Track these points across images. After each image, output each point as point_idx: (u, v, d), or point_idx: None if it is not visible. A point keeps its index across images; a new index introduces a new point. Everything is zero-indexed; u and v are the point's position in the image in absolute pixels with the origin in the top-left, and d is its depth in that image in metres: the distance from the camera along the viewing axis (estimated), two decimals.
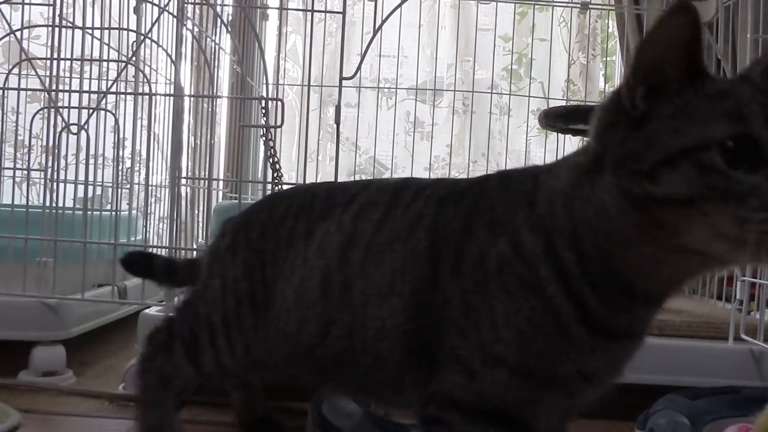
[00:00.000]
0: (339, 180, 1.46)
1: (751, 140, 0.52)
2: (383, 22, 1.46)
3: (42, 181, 1.56)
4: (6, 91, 1.56)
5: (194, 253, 1.58)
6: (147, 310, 1.37)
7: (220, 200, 2.10)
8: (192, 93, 2.01)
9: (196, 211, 2.01)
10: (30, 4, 1.63)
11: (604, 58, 2.42)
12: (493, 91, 2.28)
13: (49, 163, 1.52)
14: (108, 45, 1.76)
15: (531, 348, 0.61)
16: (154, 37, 1.74)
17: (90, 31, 1.60)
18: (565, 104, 2.10)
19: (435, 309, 0.66)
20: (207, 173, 1.84)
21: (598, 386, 0.67)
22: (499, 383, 0.62)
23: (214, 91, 1.87)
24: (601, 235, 0.59)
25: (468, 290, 0.64)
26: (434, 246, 0.67)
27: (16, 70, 1.61)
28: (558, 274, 0.61)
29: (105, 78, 1.74)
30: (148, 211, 1.92)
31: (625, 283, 0.60)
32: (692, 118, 0.54)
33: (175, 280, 1.12)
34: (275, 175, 1.69)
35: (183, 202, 1.75)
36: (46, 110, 1.57)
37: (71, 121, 1.51)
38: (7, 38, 1.63)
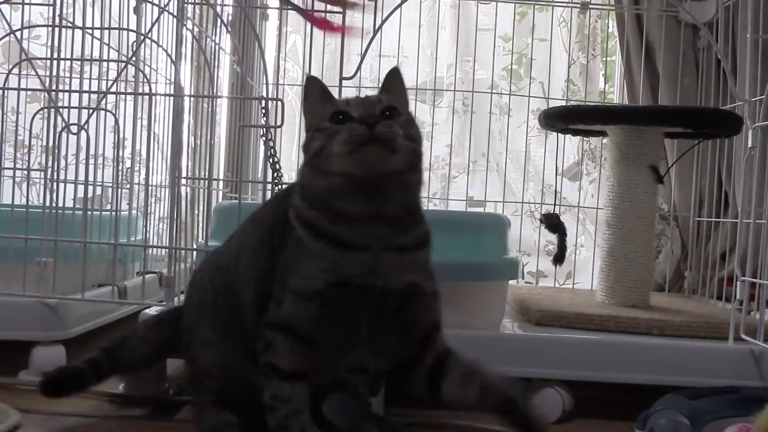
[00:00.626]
0: None
1: (341, 111, 0.91)
2: (383, 22, 1.46)
3: (42, 181, 1.56)
4: (6, 91, 1.56)
5: (194, 253, 1.58)
6: (147, 310, 1.37)
7: (220, 200, 2.10)
8: (192, 93, 2.01)
9: (196, 211, 2.00)
10: (30, 4, 1.63)
11: (604, 58, 2.42)
12: (493, 91, 2.28)
13: (49, 163, 1.52)
14: (108, 45, 1.76)
15: (301, 275, 0.91)
16: (154, 37, 1.74)
17: (90, 31, 1.60)
18: (565, 104, 2.10)
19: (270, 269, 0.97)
20: (207, 173, 1.83)
21: (364, 301, 0.92)
22: (289, 305, 0.92)
23: (214, 91, 1.86)
24: (312, 186, 0.92)
25: (284, 255, 0.94)
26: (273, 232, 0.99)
27: (16, 70, 1.61)
28: (298, 218, 0.93)
29: (105, 78, 1.74)
30: (148, 211, 1.92)
31: (332, 208, 0.90)
32: (317, 118, 0.95)
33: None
34: (275, 175, 1.69)
35: (183, 202, 1.75)
36: (46, 110, 1.57)
37: (71, 121, 1.51)
38: (7, 38, 1.64)
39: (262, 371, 0.93)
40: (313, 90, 0.97)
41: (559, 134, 2.02)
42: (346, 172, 0.88)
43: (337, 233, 0.90)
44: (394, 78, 1.00)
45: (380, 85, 1.01)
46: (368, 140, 0.87)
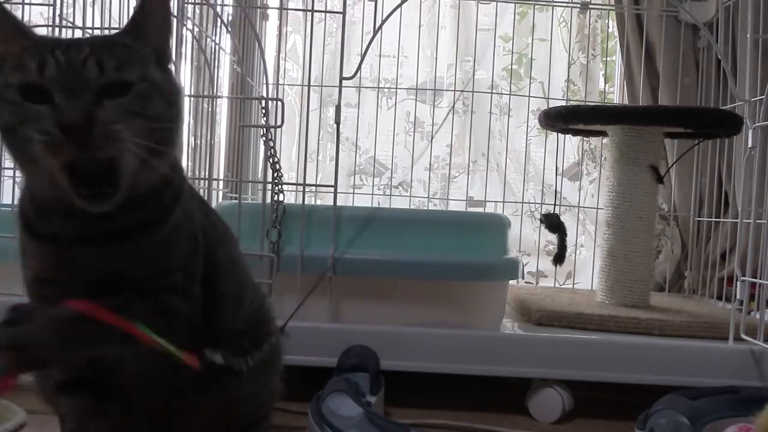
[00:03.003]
0: (338, 180, 1.47)
1: (33, 84, 0.67)
2: (383, 22, 1.46)
3: None
4: None
5: None
6: None
7: (220, 200, 2.10)
8: (192, 93, 2.01)
9: None
10: (30, 4, 1.63)
11: (604, 58, 2.42)
12: (493, 91, 2.28)
13: None
14: None
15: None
16: None
17: (90, 31, 1.60)
18: (565, 104, 2.10)
19: None
20: (207, 173, 1.84)
21: (67, 288, 0.78)
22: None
23: (214, 91, 1.86)
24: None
25: None
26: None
27: None
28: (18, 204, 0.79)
29: None
30: None
31: (35, 197, 0.76)
32: (7, 67, 0.70)
33: None
34: (275, 175, 1.69)
35: None
36: None
37: None
38: None
39: None
40: None
41: (559, 134, 2.02)
42: (32, 172, 0.72)
43: (37, 228, 0.78)
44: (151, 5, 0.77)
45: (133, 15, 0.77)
46: (73, 153, 0.66)
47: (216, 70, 2.03)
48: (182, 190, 0.80)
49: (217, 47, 2.05)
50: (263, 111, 1.48)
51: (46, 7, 1.59)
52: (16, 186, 1.65)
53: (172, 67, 0.87)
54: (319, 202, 2.25)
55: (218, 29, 2.04)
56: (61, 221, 0.74)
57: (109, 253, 0.76)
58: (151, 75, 0.73)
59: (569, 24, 2.40)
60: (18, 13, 1.58)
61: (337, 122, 1.47)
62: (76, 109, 0.66)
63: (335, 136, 1.49)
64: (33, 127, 0.66)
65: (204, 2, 1.86)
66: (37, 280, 0.82)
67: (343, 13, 1.50)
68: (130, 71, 0.70)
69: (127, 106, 0.69)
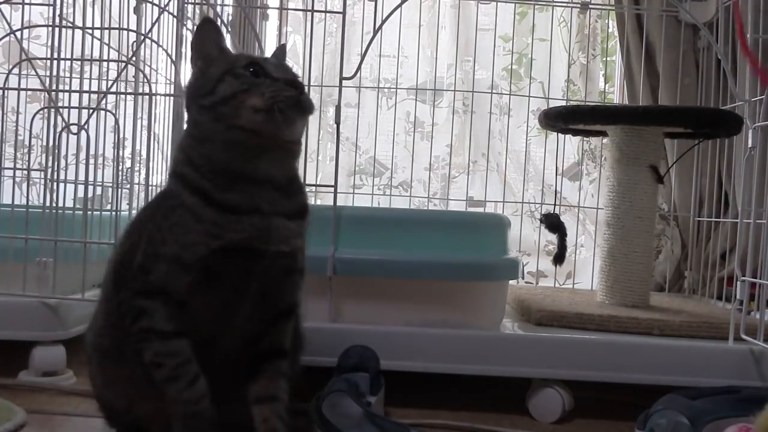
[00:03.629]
0: (338, 180, 1.47)
1: (258, 64, 0.91)
2: (383, 22, 1.46)
3: (42, 181, 1.56)
4: (6, 91, 1.56)
5: None
6: None
7: None
8: None
9: None
10: (30, 4, 1.63)
11: (604, 58, 2.42)
12: (493, 91, 2.28)
13: (49, 163, 1.52)
14: (108, 45, 1.76)
15: (180, 242, 0.89)
16: (154, 37, 1.74)
17: (90, 31, 1.60)
18: (565, 104, 2.10)
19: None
20: None
21: (246, 268, 0.92)
22: (161, 273, 0.90)
23: None
24: (201, 145, 0.91)
25: (147, 224, 0.95)
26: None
27: (16, 70, 1.61)
28: (183, 183, 0.91)
29: (105, 78, 1.74)
30: None
31: (227, 170, 0.90)
32: (227, 59, 0.94)
33: None
34: None
35: None
36: (46, 110, 1.57)
37: (71, 121, 1.51)
38: (7, 38, 1.63)
39: (138, 338, 0.91)
40: (209, 28, 0.96)
41: (559, 134, 2.02)
42: (255, 129, 0.88)
43: (228, 198, 0.89)
44: (282, 52, 1.05)
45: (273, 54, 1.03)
46: (294, 104, 0.88)
47: None
48: None
49: None
50: None
51: (46, 7, 1.59)
52: (15, 186, 1.65)
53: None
54: (319, 202, 2.25)
55: None
56: (256, 190, 0.90)
57: (292, 227, 0.93)
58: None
59: (569, 24, 2.40)
60: (18, 14, 1.58)
61: (337, 122, 1.48)
62: (293, 78, 0.92)
63: (335, 136, 1.49)
64: (257, 92, 0.88)
65: (204, 2, 1.86)
66: (213, 254, 0.89)
67: (343, 13, 1.50)
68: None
69: None
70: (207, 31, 0.96)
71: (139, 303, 0.91)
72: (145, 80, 1.71)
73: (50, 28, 1.52)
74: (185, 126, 0.97)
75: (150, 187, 1.87)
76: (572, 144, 2.33)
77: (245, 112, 0.87)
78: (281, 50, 1.05)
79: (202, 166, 0.90)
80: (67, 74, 1.66)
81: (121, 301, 0.94)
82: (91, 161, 1.61)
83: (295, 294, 0.99)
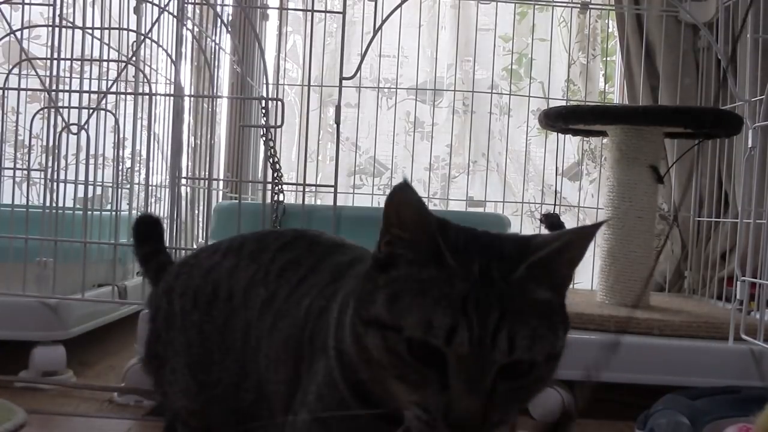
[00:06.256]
0: (338, 180, 1.47)
1: (435, 352, 0.54)
2: (383, 22, 1.46)
3: (42, 181, 1.56)
4: (6, 91, 1.56)
5: None
6: (147, 310, 1.37)
7: (220, 200, 2.10)
8: (192, 93, 2.01)
9: (196, 211, 2.01)
10: (30, 4, 1.63)
11: (604, 58, 2.42)
12: (493, 91, 2.28)
13: (49, 163, 1.52)
14: (108, 45, 1.76)
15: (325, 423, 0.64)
16: (154, 37, 1.74)
17: (90, 31, 1.60)
18: (565, 104, 2.10)
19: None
20: (207, 173, 1.84)
21: None
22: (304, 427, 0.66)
23: (214, 91, 1.87)
24: (353, 360, 0.61)
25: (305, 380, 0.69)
26: (306, 316, 0.73)
27: (16, 70, 1.61)
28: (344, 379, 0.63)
29: (105, 78, 1.74)
30: (148, 211, 1.92)
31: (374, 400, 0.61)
32: (402, 296, 0.57)
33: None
34: (275, 175, 1.69)
35: (183, 202, 1.75)
36: (46, 110, 1.57)
37: (71, 121, 1.51)
38: (7, 38, 1.64)
39: None
40: (407, 202, 0.57)
41: (559, 134, 2.01)
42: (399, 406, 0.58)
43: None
44: (579, 242, 0.59)
45: (561, 241, 0.58)
46: None
47: (216, 70, 2.03)
48: None
49: (217, 47, 2.05)
50: (263, 111, 1.48)
51: (46, 7, 1.59)
52: (15, 186, 1.65)
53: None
54: (319, 202, 2.25)
55: (218, 29, 2.04)
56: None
57: None
58: (559, 345, 0.60)
59: (569, 24, 2.40)
60: (18, 14, 1.58)
61: (337, 122, 1.47)
62: (476, 405, 0.54)
63: (335, 136, 1.49)
64: (410, 393, 0.56)
65: (204, 2, 1.86)
66: None
67: (343, 13, 1.50)
68: (540, 348, 0.57)
69: (520, 393, 0.58)
70: (398, 202, 0.58)
71: None
72: (145, 80, 1.71)
73: (50, 28, 1.52)
74: None
75: (150, 187, 1.88)
76: (572, 144, 2.34)
77: (390, 388, 0.58)
78: (578, 237, 0.59)
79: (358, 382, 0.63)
80: (67, 74, 1.66)
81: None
82: (91, 161, 1.61)
83: None
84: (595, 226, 0.59)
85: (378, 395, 0.60)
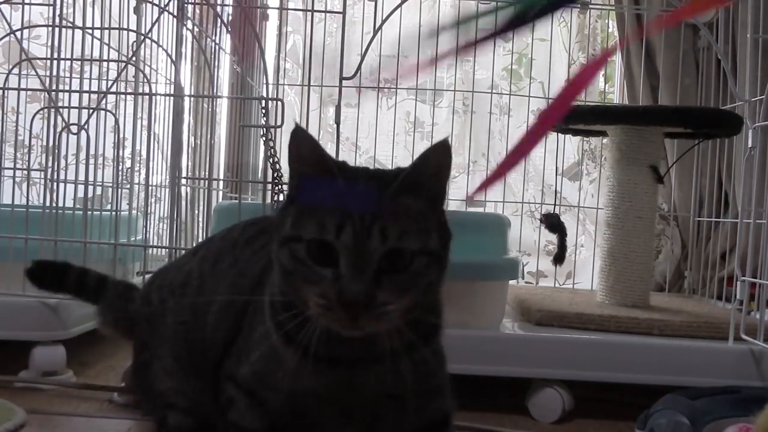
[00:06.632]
0: None
1: (327, 243, 0.69)
2: (383, 22, 1.46)
3: (42, 181, 1.56)
4: (6, 91, 1.56)
5: None
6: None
7: (220, 200, 2.10)
8: (192, 93, 2.01)
9: (196, 211, 2.01)
10: (30, 4, 1.63)
11: None
12: (493, 91, 2.28)
13: (49, 163, 1.52)
14: (108, 45, 1.76)
15: (262, 361, 0.79)
16: (154, 37, 1.74)
17: (90, 31, 1.60)
18: None
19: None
20: (207, 173, 1.84)
21: (346, 415, 0.81)
22: (250, 375, 0.81)
23: (214, 91, 1.87)
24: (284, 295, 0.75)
25: (251, 312, 0.84)
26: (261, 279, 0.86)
27: (16, 70, 1.61)
28: (270, 306, 0.78)
29: (105, 78, 1.74)
30: (148, 211, 1.92)
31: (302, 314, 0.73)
32: (302, 214, 0.72)
33: (84, 295, 1.19)
34: (275, 175, 1.69)
35: (183, 202, 1.76)
36: (46, 110, 1.57)
37: (71, 121, 1.51)
38: (7, 38, 1.63)
39: (226, 427, 0.84)
40: (304, 142, 0.74)
41: (559, 134, 2.02)
42: (319, 323, 0.71)
43: (314, 349, 0.74)
44: (435, 156, 0.74)
45: (411, 165, 0.74)
46: (347, 326, 0.69)
47: (216, 70, 2.03)
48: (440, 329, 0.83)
49: (217, 47, 2.05)
50: (263, 111, 1.48)
51: (46, 7, 1.59)
52: (15, 186, 1.65)
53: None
54: None
55: (218, 29, 2.04)
56: (338, 345, 0.74)
57: (381, 374, 0.77)
58: (432, 244, 0.73)
59: (569, 24, 2.40)
60: (18, 14, 1.58)
61: (337, 122, 1.47)
62: (360, 287, 0.67)
63: (335, 136, 1.49)
64: (312, 289, 0.69)
65: (204, 2, 1.86)
66: (299, 395, 0.79)
67: (343, 13, 1.50)
68: (412, 240, 0.70)
69: (402, 283, 0.70)
70: (298, 143, 0.75)
71: (228, 389, 0.83)
72: (145, 80, 1.71)
73: (50, 28, 1.52)
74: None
75: (150, 187, 1.88)
76: (572, 144, 2.34)
77: (304, 300, 0.71)
78: (435, 152, 0.75)
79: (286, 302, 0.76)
80: (67, 74, 1.66)
81: (220, 375, 0.86)
82: (91, 161, 1.61)
83: (440, 402, 0.89)
84: (445, 140, 0.74)
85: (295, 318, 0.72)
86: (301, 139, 0.74)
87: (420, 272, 0.71)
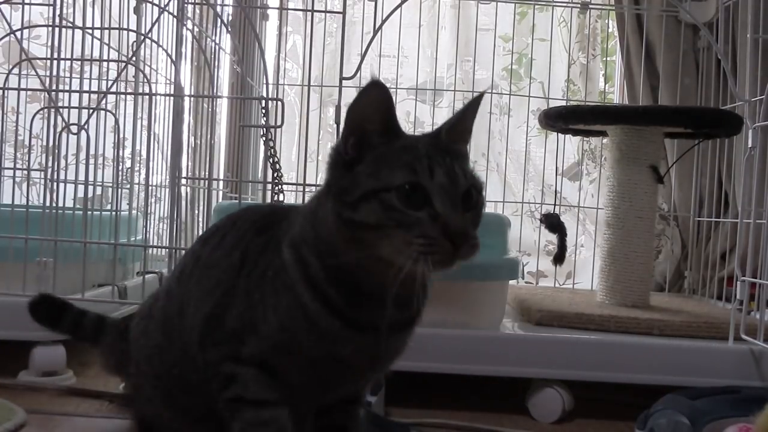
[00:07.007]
0: None
1: (420, 186, 0.72)
2: (383, 22, 1.46)
3: (42, 181, 1.56)
4: (6, 91, 1.56)
5: None
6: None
7: (220, 200, 2.10)
8: (192, 93, 2.01)
9: (196, 211, 2.01)
10: (30, 4, 1.63)
11: (604, 58, 2.42)
12: (493, 91, 2.28)
13: (49, 163, 1.52)
14: (108, 45, 1.76)
15: (287, 331, 0.80)
16: (154, 37, 1.74)
17: (90, 31, 1.60)
18: (565, 104, 2.10)
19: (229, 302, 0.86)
20: (207, 173, 1.84)
21: (357, 373, 0.85)
22: (260, 349, 0.82)
23: (214, 91, 1.87)
24: (331, 245, 0.77)
25: (251, 289, 0.83)
26: (242, 260, 0.87)
27: (16, 70, 1.62)
28: (305, 276, 0.79)
29: (105, 78, 1.74)
30: (148, 211, 1.92)
31: (354, 282, 0.77)
32: (382, 167, 0.74)
33: (81, 336, 1.17)
34: (275, 175, 1.69)
35: (183, 202, 1.76)
36: (46, 110, 1.57)
37: (71, 121, 1.51)
38: (7, 38, 1.64)
39: (228, 407, 0.83)
40: (379, 96, 0.75)
41: (559, 134, 2.02)
42: (395, 263, 0.72)
43: (352, 314, 0.78)
44: (473, 107, 0.81)
45: (455, 117, 0.80)
46: (445, 261, 0.72)
47: (216, 70, 2.03)
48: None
49: (217, 47, 2.05)
50: (263, 111, 1.48)
51: (46, 7, 1.59)
52: (15, 186, 1.65)
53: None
54: None
55: (218, 29, 2.04)
56: (377, 310, 0.78)
57: (403, 340, 0.84)
58: (481, 183, 0.78)
59: (569, 24, 2.40)
60: (18, 14, 1.58)
61: (337, 122, 1.47)
62: (459, 218, 0.73)
63: (335, 136, 1.49)
64: (405, 234, 0.71)
65: (204, 2, 1.86)
66: (319, 361, 0.81)
67: (343, 13, 1.50)
68: (477, 179, 0.77)
69: (474, 219, 0.76)
70: (372, 98, 0.75)
71: (229, 369, 0.83)
72: (145, 80, 1.71)
73: (50, 28, 1.52)
74: (322, 193, 0.80)
75: (150, 187, 1.88)
76: (572, 144, 2.34)
77: (387, 249, 0.72)
78: (474, 106, 0.81)
79: (329, 268, 0.78)
80: (67, 74, 1.66)
81: (207, 362, 0.86)
82: (91, 161, 1.61)
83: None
84: (479, 96, 0.81)
85: (358, 272, 0.76)
86: (380, 91, 0.74)
87: (482, 209, 0.77)
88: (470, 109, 0.80)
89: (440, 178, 0.73)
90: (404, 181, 0.72)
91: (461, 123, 0.80)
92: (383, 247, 0.72)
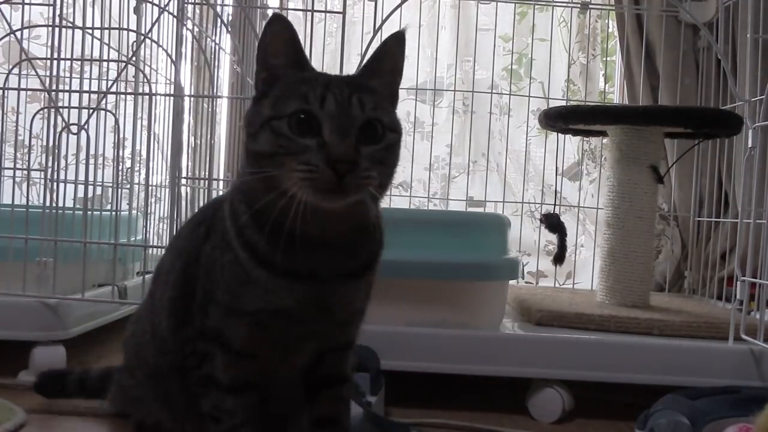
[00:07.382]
0: None
1: (312, 114, 0.73)
2: (383, 22, 1.46)
3: (42, 181, 1.56)
4: (6, 91, 1.56)
5: None
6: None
7: None
8: (192, 93, 2.01)
9: (196, 211, 2.00)
10: (30, 4, 1.63)
11: (604, 58, 2.42)
12: (493, 91, 2.28)
13: (49, 163, 1.52)
14: (108, 45, 1.76)
15: (231, 291, 0.81)
16: (154, 37, 1.74)
17: (90, 31, 1.60)
18: (565, 104, 2.10)
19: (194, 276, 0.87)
20: (207, 173, 1.83)
21: (313, 328, 0.84)
22: (217, 317, 0.83)
23: (214, 91, 1.86)
24: (252, 188, 0.77)
25: (208, 253, 0.85)
26: (207, 233, 0.88)
27: (16, 70, 1.62)
28: (237, 228, 0.80)
29: (105, 78, 1.74)
30: (148, 211, 1.92)
31: (281, 227, 0.75)
32: (280, 97, 0.76)
33: (90, 394, 1.21)
34: None
35: (183, 202, 1.75)
36: (46, 110, 1.57)
37: (71, 121, 1.51)
38: (7, 38, 1.64)
39: (199, 383, 0.85)
40: (279, 30, 0.78)
41: (559, 134, 2.02)
42: (301, 199, 0.72)
43: (284, 262, 0.77)
44: (392, 46, 0.82)
45: (371, 56, 0.82)
46: (333, 189, 0.71)
47: (216, 70, 2.03)
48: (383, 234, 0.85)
49: (217, 47, 2.05)
50: None
51: (46, 7, 1.59)
52: (15, 186, 1.66)
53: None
54: None
55: (218, 29, 2.04)
56: (316, 257, 0.78)
57: (354, 287, 0.83)
58: (396, 123, 0.80)
59: (569, 24, 2.40)
60: (18, 14, 1.58)
61: None
62: (346, 146, 0.72)
63: None
64: (295, 161, 0.72)
65: (204, 2, 1.86)
66: (270, 312, 0.81)
67: (343, 13, 1.50)
68: (383, 114, 0.77)
69: (377, 154, 0.75)
70: (275, 34, 0.78)
71: (201, 346, 0.84)
72: (145, 80, 1.71)
73: (50, 28, 1.52)
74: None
75: (150, 187, 1.88)
76: (572, 144, 2.33)
77: (286, 182, 0.72)
78: (392, 42, 0.82)
79: (255, 213, 0.77)
80: (67, 74, 1.66)
81: (185, 339, 0.87)
82: (91, 161, 1.61)
83: (357, 331, 0.91)
84: (399, 32, 0.81)
85: (280, 214, 0.73)
86: (282, 27, 0.78)
87: (390, 147, 0.77)
88: (386, 46, 0.81)
89: (331, 107, 0.73)
90: (295, 109, 0.73)
91: (376, 61, 0.81)
92: (279, 178, 0.73)
